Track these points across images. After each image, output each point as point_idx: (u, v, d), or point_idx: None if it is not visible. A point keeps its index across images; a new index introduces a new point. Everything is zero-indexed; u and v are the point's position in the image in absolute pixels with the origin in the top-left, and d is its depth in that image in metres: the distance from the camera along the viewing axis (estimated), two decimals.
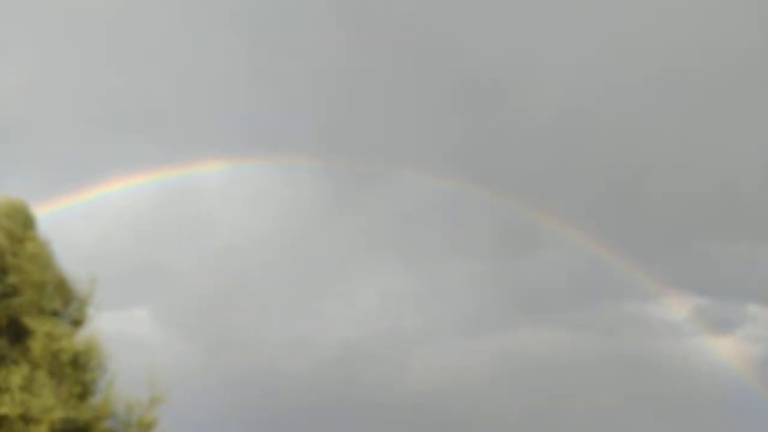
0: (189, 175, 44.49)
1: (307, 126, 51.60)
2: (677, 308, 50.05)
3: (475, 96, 50.32)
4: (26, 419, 9.29)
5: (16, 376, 9.40)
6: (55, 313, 10.67)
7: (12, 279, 10.14)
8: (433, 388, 49.27)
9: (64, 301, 10.84)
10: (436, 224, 56.11)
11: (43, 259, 10.71)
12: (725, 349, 46.67)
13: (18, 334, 10.10)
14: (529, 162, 50.14)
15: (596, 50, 47.41)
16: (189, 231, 54.63)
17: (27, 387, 9.50)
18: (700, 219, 51.63)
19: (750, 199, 49.31)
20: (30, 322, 10.11)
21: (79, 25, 46.25)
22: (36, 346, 9.96)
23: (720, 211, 50.89)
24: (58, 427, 9.50)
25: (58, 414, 9.39)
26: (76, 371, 10.28)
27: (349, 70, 50.26)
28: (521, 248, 56.36)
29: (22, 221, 11.11)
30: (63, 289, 10.90)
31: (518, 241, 54.76)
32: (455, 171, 47.94)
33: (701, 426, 45.04)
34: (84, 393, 10.40)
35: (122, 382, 11.16)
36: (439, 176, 46.32)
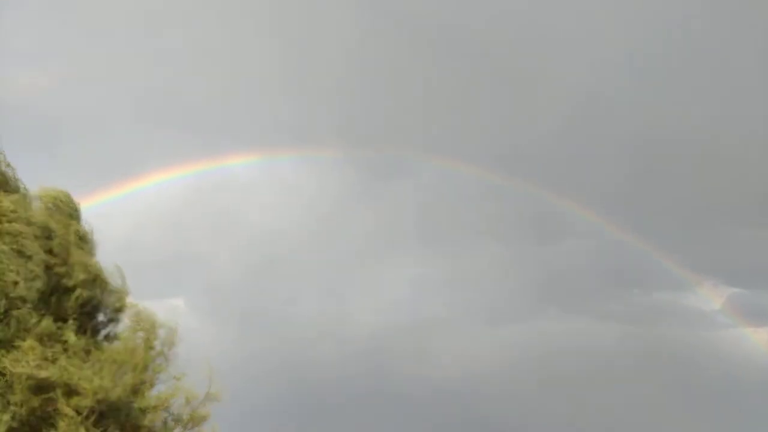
0: (220, 168, 45.20)
1: (333, 120, 52.01)
2: (711, 298, 49.17)
3: (499, 86, 50.06)
4: (69, 391, 9.31)
5: (59, 344, 9.51)
6: (95, 303, 10.85)
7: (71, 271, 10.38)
8: (459, 375, 49.34)
9: (101, 291, 10.98)
10: (461, 213, 56.02)
11: (84, 251, 10.84)
12: (761, 340, 45.73)
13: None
14: (558, 149, 49.68)
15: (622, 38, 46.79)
16: (220, 222, 55.64)
17: (74, 357, 9.54)
18: (735, 208, 50.58)
19: None
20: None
21: (116, 26, 47.28)
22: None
23: (754, 201, 49.81)
24: (103, 400, 9.50)
25: (99, 383, 9.40)
26: (147, 354, 10.61)
27: (373, 65, 50.40)
28: (549, 236, 56.04)
29: (67, 213, 11.16)
30: (100, 280, 11.00)
31: (546, 229, 54.46)
32: (480, 159, 47.81)
33: (734, 412, 44.31)
34: (147, 381, 10.67)
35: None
36: (464, 165, 46.13)
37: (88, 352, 9.94)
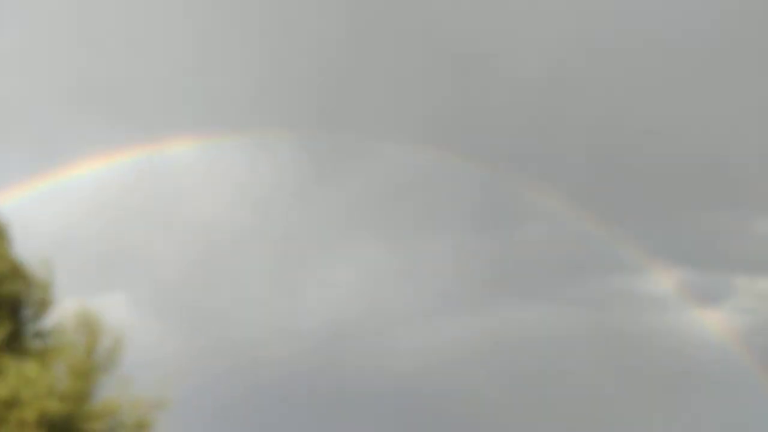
0: (157, 155, 43.24)
1: (280, 101, 50.40)
2: (664, 281, 50.33)
3: (456, 66, 49.61)
4: (13, 403, 9.18)
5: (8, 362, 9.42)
6: (19, 297, 10.48)
7: None
8: (417, 367, 48.92)
9: (24, 285, 10.65)
10: (417, 199, 55.40)
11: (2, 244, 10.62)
12: (713, 322, 47.07)
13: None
14: (517, 134, 49.82)
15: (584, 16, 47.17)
16: (160, 212, 53.08)
17: (20, 374, 9.42)
18: (688, 191, 51.97)
19: (738, 171, 49.80)
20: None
21: (43, 5, 44.46)
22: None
23: (708, 184, 51.30)
24: (47, 412, 9.35)
25: (51, 404, 9.30)
26: (89, 360, 10.42)
27: (324, 43, 49.09)
28: (506, 222, 56.25)
29: None
30: (20, 274, 10.71)
31: (504, 216, 54.59)
32: (435, 147, 47.37)
33: (689, 398, 45.60)
34: (88, 387, 10.43)
35: None
36: (420, 152, 45.73)
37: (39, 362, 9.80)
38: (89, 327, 10.69)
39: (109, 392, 10.76)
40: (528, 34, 47.53)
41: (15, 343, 9.96)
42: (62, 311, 10.96)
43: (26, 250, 11.02)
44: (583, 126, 50.20)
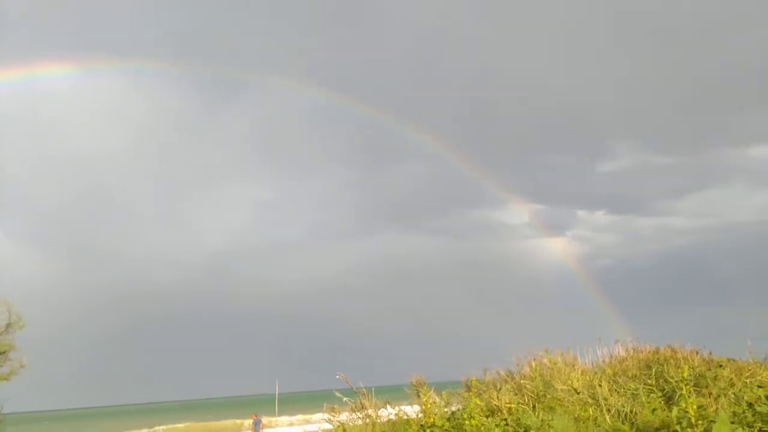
0: (31, 77, 40.72)
1: (162, 30, 48.86)
2: (519, 214, 56.88)
3: (343, 9, 50.60)
4: None
5: None
6: None
7: None
8: (305, 293, 51.97)
9: None
10: (307, 136, 56.94)
11: None
12: (557, 247, 54.46)
13: None
14: (399, 78, 52.33)
15: None
16: (36, 138, 50.32)
17: None
18: (539, 135, 58.15)
19: (582, 117, 56.31)
20: None
21: None
22: None
23: (556, 129, 57.70)
24: None
25: None
26: None
27: None
28: (385, 160, 59.69)
29: None
30: None
31: (382, 154, 57.91)
32: (325, 84, 48.72)
33: (537, 308, 52.86)
34: None
35: None
36: (310, 89, 46.93)
37: None
38: None
39: None
40: None
41: None
42: None
43: None
44: (459, 77, 53.84)
